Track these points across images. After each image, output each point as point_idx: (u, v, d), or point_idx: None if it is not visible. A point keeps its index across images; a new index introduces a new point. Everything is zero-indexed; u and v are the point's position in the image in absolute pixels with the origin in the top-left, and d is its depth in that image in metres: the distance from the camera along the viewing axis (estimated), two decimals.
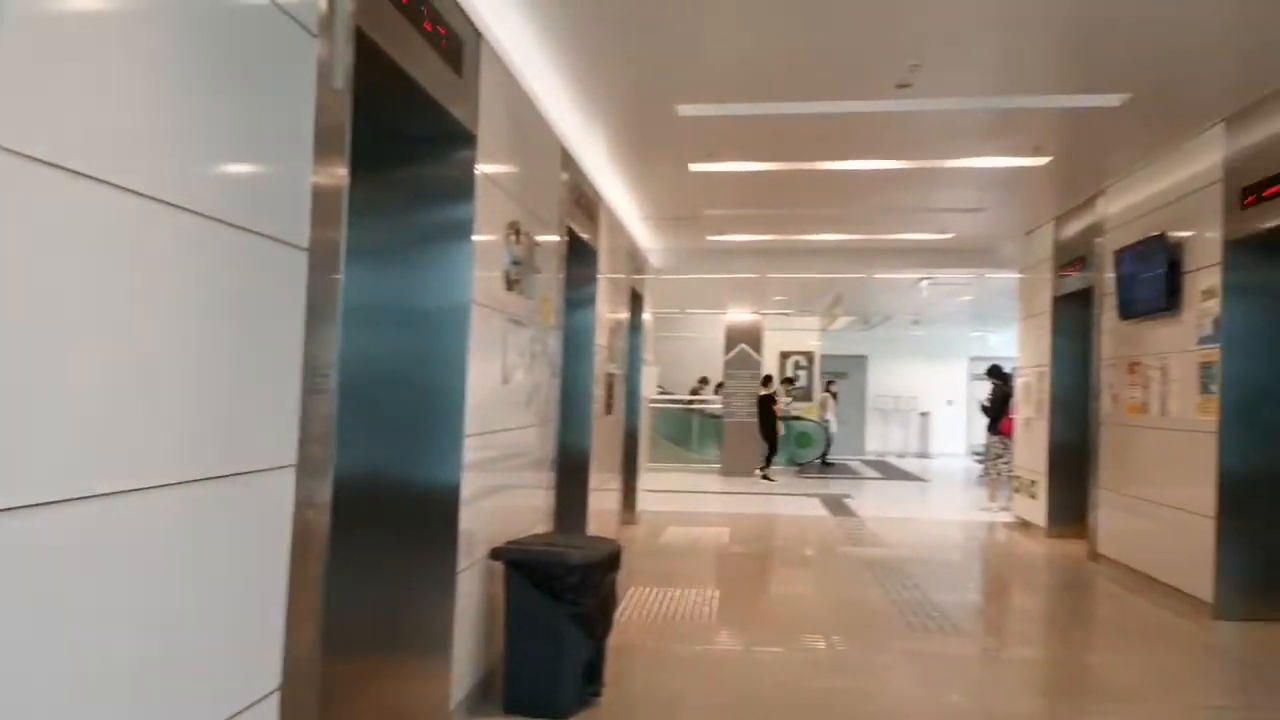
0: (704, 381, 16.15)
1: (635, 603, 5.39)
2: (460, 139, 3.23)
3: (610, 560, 3.75)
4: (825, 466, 15.57)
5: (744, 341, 14.73)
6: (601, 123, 5.38)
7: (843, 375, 18.43)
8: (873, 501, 11.59)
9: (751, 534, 8.66)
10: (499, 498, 3.91)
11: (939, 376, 19.84)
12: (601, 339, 6.50)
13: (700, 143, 5.86)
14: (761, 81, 4.77)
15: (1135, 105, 4.94)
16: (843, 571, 6.95)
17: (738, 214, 8.23)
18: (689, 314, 16.33)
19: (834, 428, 16.26)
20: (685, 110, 5.05)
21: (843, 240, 9.66)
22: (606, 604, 3.74)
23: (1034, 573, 7.21)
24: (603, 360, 6.66)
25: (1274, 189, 4.71)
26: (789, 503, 11.19)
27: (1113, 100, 4.86)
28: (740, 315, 14.88)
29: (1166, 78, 4.62)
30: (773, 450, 14.09)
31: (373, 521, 3.04)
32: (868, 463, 17.53)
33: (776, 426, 14.16)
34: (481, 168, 3.38)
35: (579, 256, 5.66)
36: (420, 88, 2.79)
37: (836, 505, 10.75)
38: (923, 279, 11.28)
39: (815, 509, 10.45)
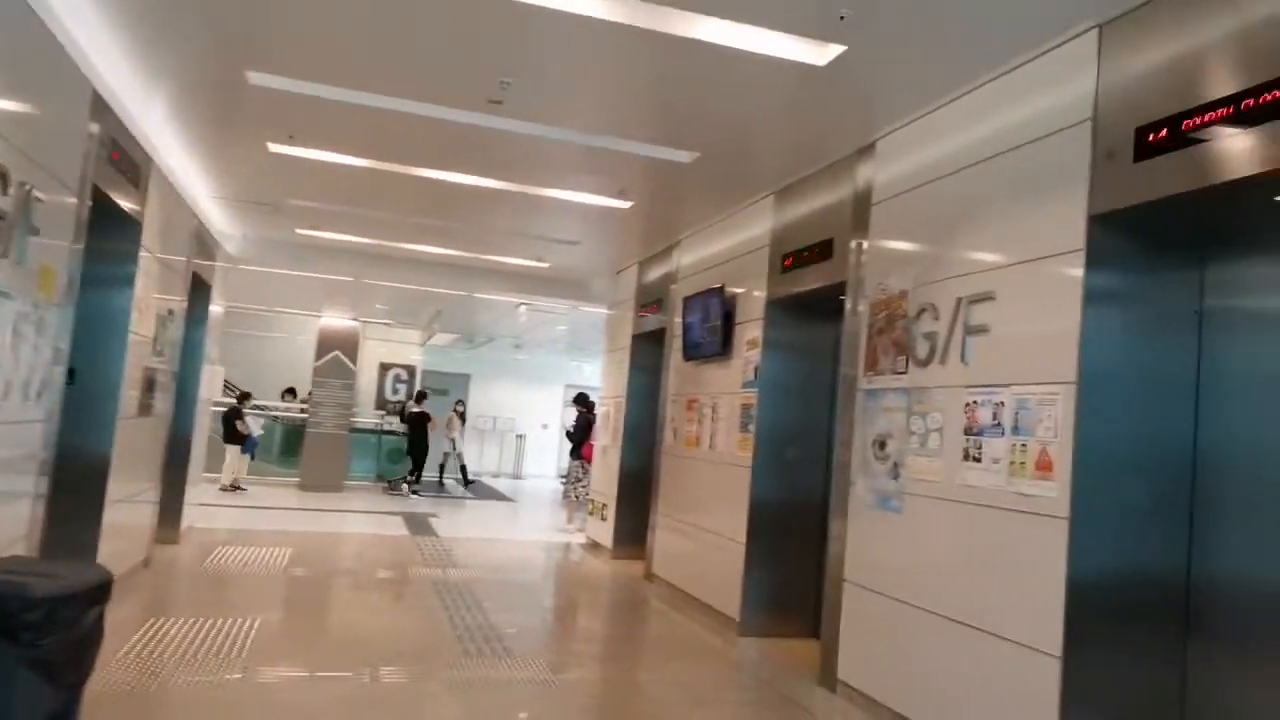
0: (291, 393, 14.81)
1: (150, 637, 4.62)
2: None
3: (94, 591, 3.09)
4: (465, 484, 15.44)
5: (339, 348, 13.89)
6: (157, 74, 4.61)
7: (444, 392, 18.21)
8: (458, 521, 11.49)
9: (319, 554, 8.02)
10: None
11: (537, 400, 20.52)
12: (142, 327, 5.56)
13: (280, 121, 5.30)
14: (346, 65, 4.40)
15: (704, 164, 5.39)
16: (410, 595, 6.66)
17: (330, 209, 7.66)
18: (278, 313, 15.00)
19: (460, 447, 16.01)
20: (257, 79, 4.50)
21: (445, 254, 9.49)
22: (84, 644, 3.07)
23: (595, 593, 7.53)
24: (143, 352, 5.71)
25: (804, 256, 5.41)
26: (370, 521, 10.67)
27: (684, 156, 5.26)
28: (336, 320, 14.02)
29: (729, 145, 5.11)
30: (419, 467, 13.99)
31: None
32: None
33: (427, 444, 13.75)
34: None
35: (113, 226, 4.79)
36: None
37: (419, 525, 10.44)
38: (521, 304, 11.50)
39: (397, 528, 10.06)
